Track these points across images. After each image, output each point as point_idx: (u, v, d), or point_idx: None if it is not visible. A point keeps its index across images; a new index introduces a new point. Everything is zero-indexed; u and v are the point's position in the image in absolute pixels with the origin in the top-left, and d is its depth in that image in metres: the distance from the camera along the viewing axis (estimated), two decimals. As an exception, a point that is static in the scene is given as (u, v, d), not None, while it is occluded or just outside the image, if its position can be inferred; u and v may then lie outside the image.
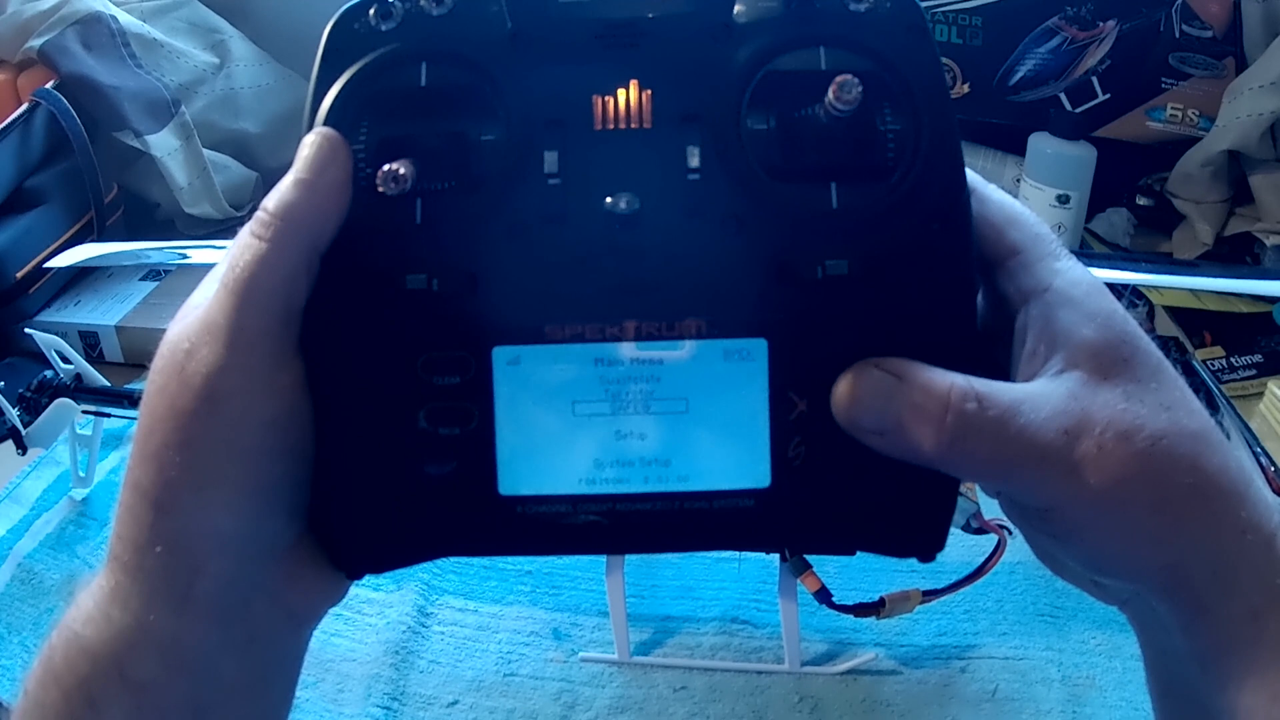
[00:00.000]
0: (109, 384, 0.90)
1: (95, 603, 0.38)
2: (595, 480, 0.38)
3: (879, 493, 0.39)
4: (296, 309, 0.37)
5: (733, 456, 0.38)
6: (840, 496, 0.39)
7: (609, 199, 0.37)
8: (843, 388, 0.37)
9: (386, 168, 0.37)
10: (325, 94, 0.39)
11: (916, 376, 0.36)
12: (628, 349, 0.38)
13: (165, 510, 0.36)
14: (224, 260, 0.37)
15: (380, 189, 0.37)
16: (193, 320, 0.37)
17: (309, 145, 0.38)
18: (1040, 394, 0.36)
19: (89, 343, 1.09)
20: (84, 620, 0.38)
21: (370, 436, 0.39)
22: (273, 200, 0.37)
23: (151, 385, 0.37)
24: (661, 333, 0.38)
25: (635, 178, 0.38)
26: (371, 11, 0.40)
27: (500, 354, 0.38)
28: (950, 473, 0.38)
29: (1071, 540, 0.37)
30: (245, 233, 0.37)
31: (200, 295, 0.38)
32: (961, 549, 0.63)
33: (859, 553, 0.41)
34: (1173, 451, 0.35)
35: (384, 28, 0.40)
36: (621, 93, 0.39)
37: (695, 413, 0.38)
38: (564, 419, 0.38)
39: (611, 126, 0.39)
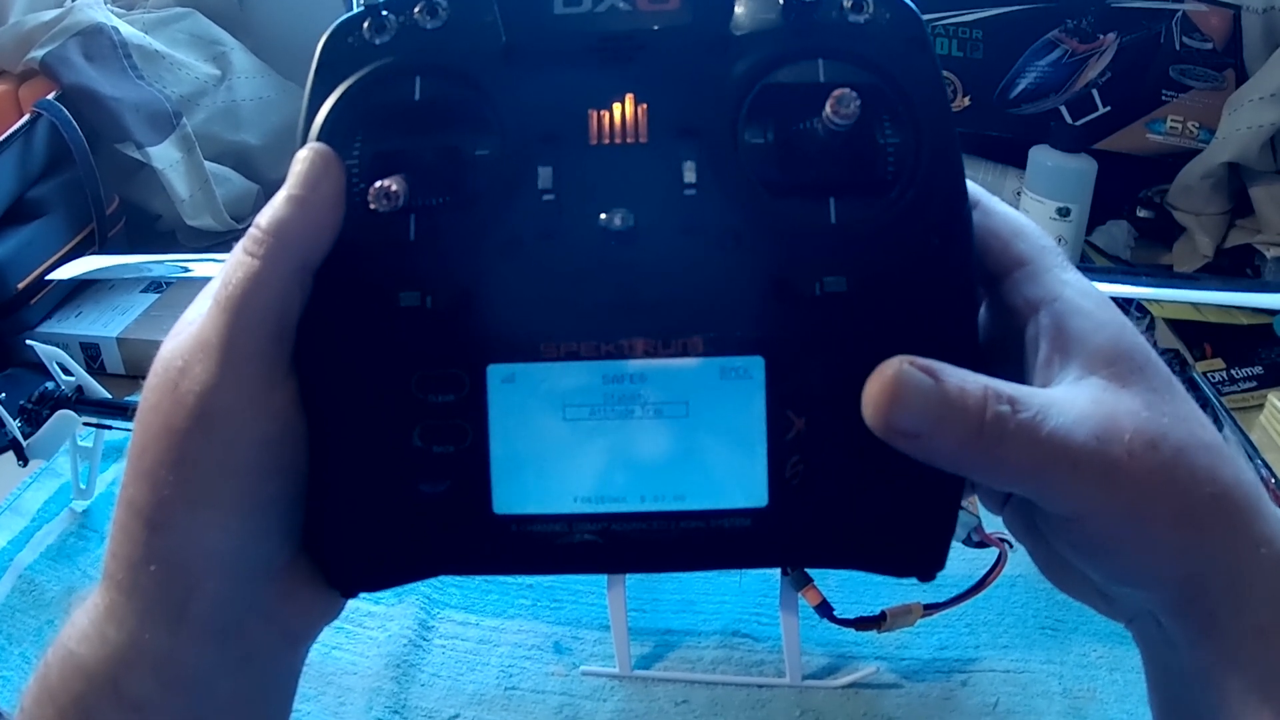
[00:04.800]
0: (110, 396, 0.90)
1: (90, 621, 0.38)
2: (591, 499, 0.38)
3: (878, 512, 0.38)
4: (290, 326, 0.37)
5: (730, 475, 0.38)
6: (839, 516, 0.39)
7: (604, 215, 0.37)
8: (877, 387, 0.35)
9: (378, 185, 0.37)
10: (319, 108, 0.39)
11: (951, 376, 0.35)
12: (623, 367, 0.38)
13: (159, 529, 0.36)
14: (218, 277, 0.37)
15: (373, 206, 0.37)
16: (186, 338, 0.37)
17: (302, 161, 0.38)
18: (1065, 399, 0.36)
19: (90, 354, 1.09)
20: (79, 638, 0.38)
21: (364, 454, 0.38)
22: (265, 217, 0.37)
23: (145, 403, 0.37)
24: (658, 350, 0.37)
25: (631, 193, 0.38)
26: (365, 25, 0.40)
27: (495, 372, 0.38)
28: (978, 477, 0.37)
29: (1094, 550, 0.37)
30: (238, 250, 0.37)
31: (194, 312, 0.38)
32: (962, 563, 0.63)
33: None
34: (1194, 462, 0.35)
35: (378, 41, 0.40)
36: (617, 107, 0.39)
37: (692, 431, 0.38)
38: (559, 437, 0.38)
39: (607, 141, 0.38)
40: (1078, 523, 0.36)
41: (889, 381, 0.34)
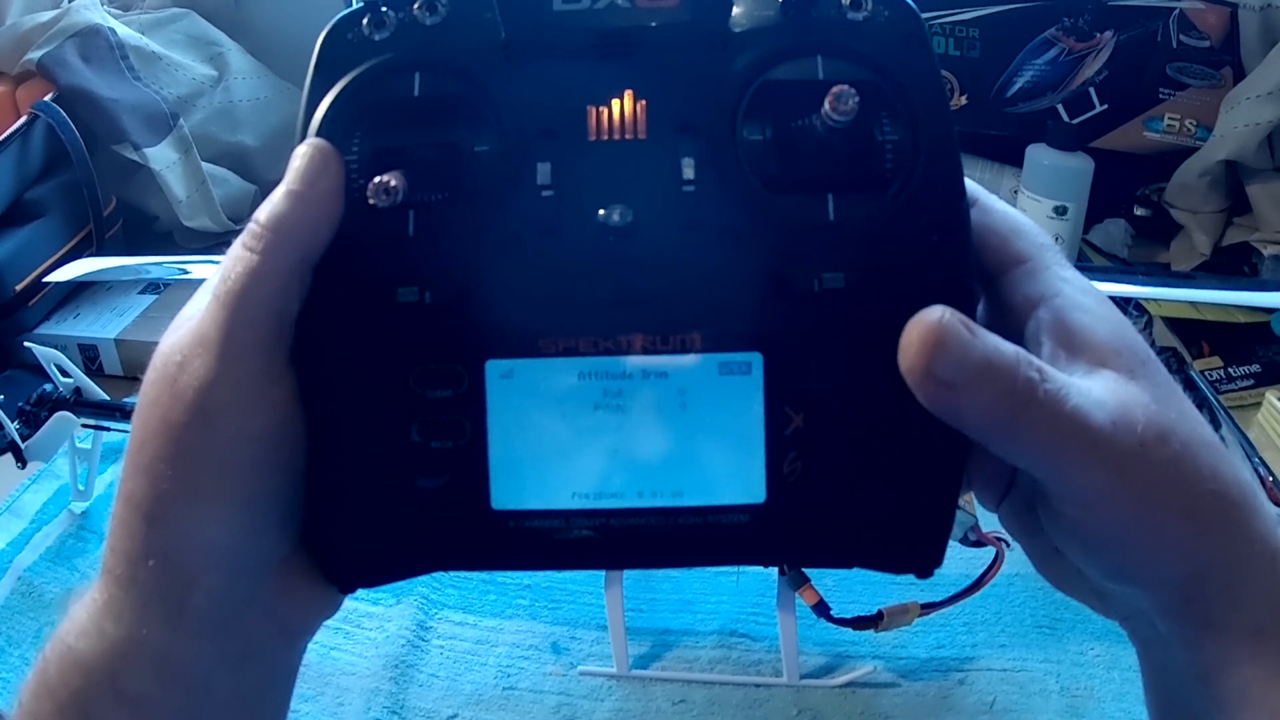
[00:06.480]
0: (108, 397, 0.90)
1: (89, 615, 0.38)
2: (589, 495, 0.38)
3: (876, 508, 0.38)
4: (289, 321, 0.37)
5: (727, 471, 0.38)
6: (837, 512, 0.39)
7: (602, 211, 0.37)
8: (918, 332, 0.34)
9: (377, 180, 0.37)
10: (318, 105, 0.39)
11: (988, 334, 0.34)
12: (621, 363, 0.38)
13: (157, 523, 0.36)
14: (216, 273, 0.37)
15: (371, 201, 0.37)
16: (185, 333, 0.37)
17: (301, 156, 0.38)
18: (1083, 384, 0.35)
19: (88, 356, 1.09)
20: (77, 633, 0.38)
21: (362, 450, 0.38)
22: (264, 212, 0.37)
23: (144, 398, 0.37)
24: (656, 346, 0.37)
25: (629, 189, 0.38)
26: (365, 21, 0.40)
27: (493, 367, 0.38)
28: (996, 445, 0.35)
29: (1100, 543, 0.36)
30: (237, 245, 0.37)
31: (193, 307, 0.38)
32: (959, 561, 0.63)
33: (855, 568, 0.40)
34: (1199, 458, 0.35)
35: (377, 37, 0.40)
36: (616, 103, 0.39)
37: (690, 427, 0.38)
38: (557, 433, 0.38)
39: (606, 137, 0.38)
40: (1088, 509, 0.35)
41: (932, 327, 0.34)
